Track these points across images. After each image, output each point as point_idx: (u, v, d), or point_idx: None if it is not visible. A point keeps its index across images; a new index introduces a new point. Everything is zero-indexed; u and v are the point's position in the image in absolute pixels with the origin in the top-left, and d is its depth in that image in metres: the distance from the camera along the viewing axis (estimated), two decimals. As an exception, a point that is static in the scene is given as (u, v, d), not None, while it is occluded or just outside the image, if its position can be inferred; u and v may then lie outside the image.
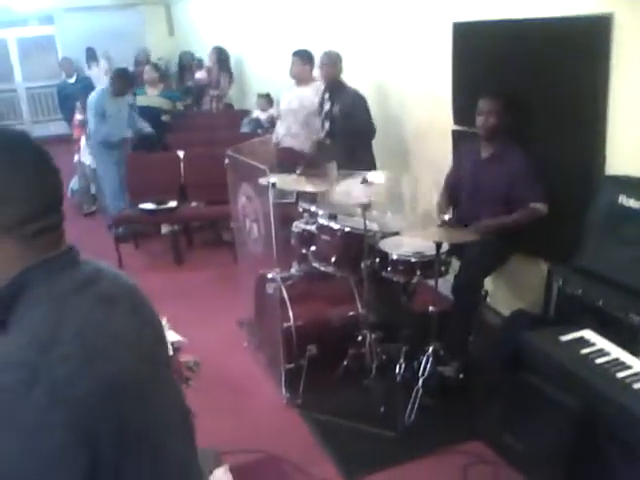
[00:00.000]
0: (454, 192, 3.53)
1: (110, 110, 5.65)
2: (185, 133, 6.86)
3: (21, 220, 1.05)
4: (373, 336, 3.16)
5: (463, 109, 3.73)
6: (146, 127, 6.12)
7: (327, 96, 4.72)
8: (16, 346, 0.98)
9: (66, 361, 0.98)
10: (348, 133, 4.47)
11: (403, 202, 3.69)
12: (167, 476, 1.16)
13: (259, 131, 6.43)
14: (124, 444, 1.04)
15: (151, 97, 6.82)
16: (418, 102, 4.39)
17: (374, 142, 4.55)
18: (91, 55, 10.17)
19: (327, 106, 4.71)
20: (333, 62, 4.64)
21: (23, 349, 0.97)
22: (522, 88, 3.22)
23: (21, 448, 0.93)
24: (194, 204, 5.64)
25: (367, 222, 3.06)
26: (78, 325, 1.04)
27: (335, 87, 4.64)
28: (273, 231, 3.21)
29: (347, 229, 3.19)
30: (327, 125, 4.70)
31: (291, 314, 3.26)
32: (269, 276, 3.43)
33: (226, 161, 3.76)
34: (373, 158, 4.53)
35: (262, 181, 3.37)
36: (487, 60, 3.49)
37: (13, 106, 12.17)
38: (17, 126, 10.74)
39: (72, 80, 8.62)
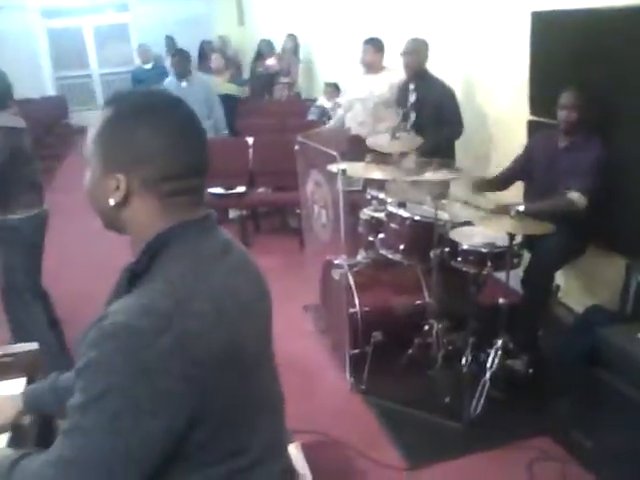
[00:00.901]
0: (511, 178, 3.47)
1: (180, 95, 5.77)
2: (254, 119, 6.95)
3: (161, 178, 1.12)
4: (440, 326, 3.13)
5: (541, 100, 3.64)
6: (223, 129, 6.17)
7: (412, 86, 4.61)
8: (159, 295, 1.06)
9: (198, 317, 1.06)
10: (436, 125, 4.39)
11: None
12: (259, 442, 1.21)
13: (324, 119, 6.45)
14: (227, 405, 1.11)
15: (220, 84, 6.92)
16: (495, 92, 4.30)
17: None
18: (170, 44, 10.38)
19: (413, 97, 4.60)
20: (418, 50, 4.50)
21: (163, 298, 1.05)
22: (604, 80, 3.11)
23: (136, 386, 1.01)
24: (262, 190, 5.72)
25: (437, 211, 3.03)
26: (213, 288, 1.11)
27: (421, 77, 4.54)
28: (342, 218, 3.21)
29: (417, 217, 3.16)
30: (413, 116, 4.62)
31: (357, 300, 3.27)
32: (336, 262, 3.45)
33: (296, 147, 3.78)
34: (453, 152, 4.46)
35: (332, 167, 3.38)
36: (567, 50, 3.38)
37: (88, 91, 12.58)
38: (90, 111, 11.17)
39: (148, 66, 8.84)
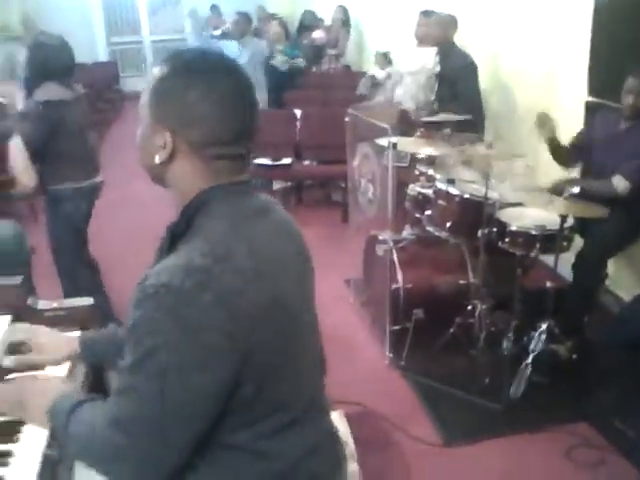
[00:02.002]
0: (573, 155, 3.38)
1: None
2: (301, 91, 6.92)
3: (207, 142, 1.13)
4: (483, 307, 3.10)
5: (601, 81, 3.52)
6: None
7: (437, 58, 4.62)
8: (198, 253, 1.08)
9: (238, 273, 1.08)
10: (452, 100, 4.35)
11: (526, 173, 3.56)
12: (301, 400, 1.23)
13: (374, 90, 6.37)
14: (270, 360, 1.12)
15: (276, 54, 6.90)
16: (551, 73, 4.19)
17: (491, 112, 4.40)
18: (216, 12, 10.38)
19: (437, 68, 4.63)
20: (443, 24, 4.51)
21: (203, 256, 1.07)
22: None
23: (181, 343, 1.04)
24: (307, 162, 5.71)
25: (487, 190, 2.98)
26: (252, 245, 1.13)
27: (445, 49, 4.54)
28: (390, 193, 3.19)
29: (466, 195, 3.12)
30: (436, 88, 4.63)
31: (400, 277, 3.25)
32: (380, 237, 3.43)
33: (346, 119, 3.75)
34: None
35: (382, 141, 3.34)
36: (630, 33, 3.26)
37: (139, 58, 12.68)
38: (140, 77, 11.27)
39: (218, 32, 8.88)
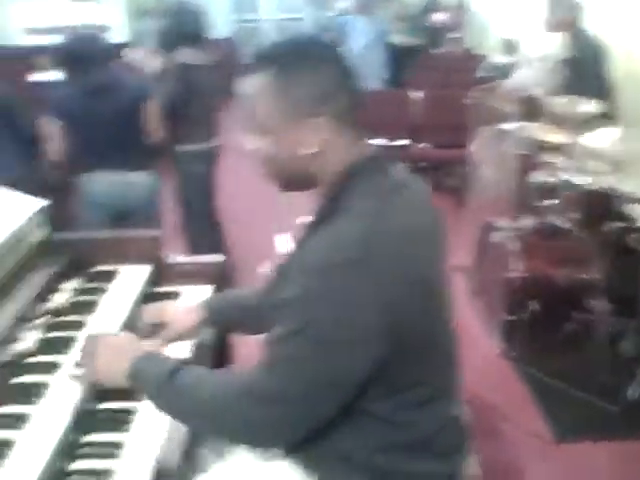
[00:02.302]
0: None
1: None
2: (420, 73, 6.82)
3: (345, 109, 1.15)
4: (603, 304, 2.96)
5: None
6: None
7: (567, 44, 4.40)
8: (349, 229, 1.10)
9: (387, 251, 1.09)
10: (580, 86, 4.13)
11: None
12: (436, 377, 1.24)
13: (497, 76, 6.18)
14: (415, 336, 1.14)
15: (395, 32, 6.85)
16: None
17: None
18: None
19: (566, 54, 4.41)
20: (574, 9, 4.30)
21: (355, 232, 1.09)
22: None
23: (337, 318, 1.06)
24: (423, 145, 5.63)
25: (616, 182, 2.83)
26: (400, 221, 1.14)
27: (572, 32, 4.32)
28: (512, 179, 3.10)
29: (593, 187, 2.97)
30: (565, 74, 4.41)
31: (516, 266, 3.15)
32: (497, 224, 3.34)
33: (468, 102, 3.67)
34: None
35: (505, 126, 3.25)
36: None
37: (256, 37, 12.92)
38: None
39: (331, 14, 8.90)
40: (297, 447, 1.26)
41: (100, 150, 3.00)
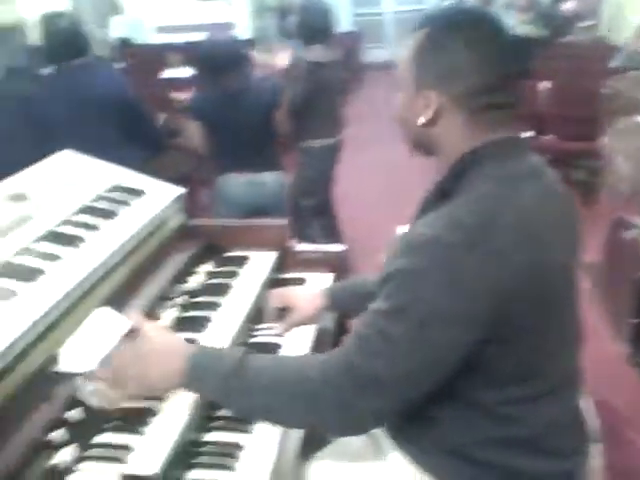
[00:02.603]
0: None
1: None
2: (548, 63, 6.55)
3: (472, 93, 1.13)
4: None
5: None
6: None
7: None
8: (466, 211, 1.08)
9: (506, 236, 1.06)
10: None
11: None
12: (556, 371, 1.20)
13: (633, 65, 5.80)
14: (525, 326, 1.10)
15: (519, 23, 6.61)
16: None
17: None
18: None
19: None
20: None
21: (472, 214, 1.07)
22: None
23: (443, 297, 1.05)
24: (549, 137, 5.41)
25: None
26: (521, 208, 1.10)
27: None
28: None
29: None
30: None
31: (649, 265, 2.98)
32: (631, 221, 3.16)
33: (602, 92, 3.50)
34: None
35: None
36: None
37: (378, 29, 12.89)
38: (380, 49, 11.49)
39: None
40: (403, 437, 1.27)
41: (235, 152, 3.19)
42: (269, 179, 3.30)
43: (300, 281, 1.91)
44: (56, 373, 1.29)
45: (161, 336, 1.25)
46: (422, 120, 1.16)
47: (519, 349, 1.11)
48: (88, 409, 1.24)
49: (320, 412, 1.12)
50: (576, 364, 1.29)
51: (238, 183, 3.27)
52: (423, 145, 1.23)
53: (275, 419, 1.21)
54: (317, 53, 3.42)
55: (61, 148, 1.94)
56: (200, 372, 1.17)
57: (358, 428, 1.17)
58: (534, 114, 5.47)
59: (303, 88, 3.33)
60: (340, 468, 1.34)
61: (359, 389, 1.08)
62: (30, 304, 1.30)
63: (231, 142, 3.16)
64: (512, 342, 1.10)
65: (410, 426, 1.23)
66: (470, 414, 1.17)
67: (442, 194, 1.18)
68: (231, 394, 1.16)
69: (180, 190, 1.94)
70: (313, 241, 3.33)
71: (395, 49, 12.13)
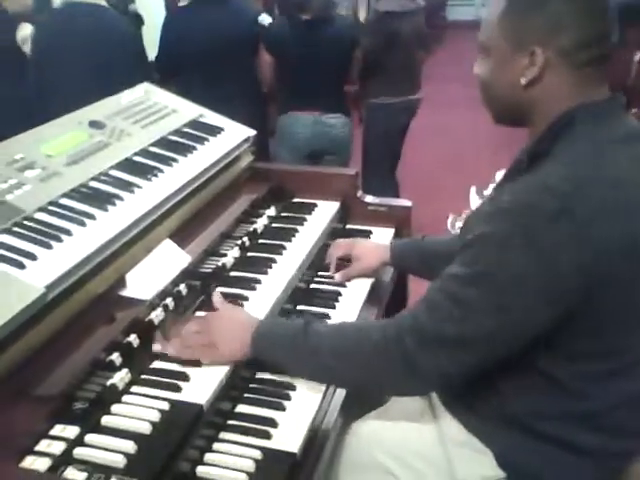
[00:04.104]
0: None
1: None
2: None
3: (577, 45, 1.08)
4: None
5: None
6: None
7: None
8: (559, 176, 1.04)
9: (599, 204, 1.02)
10: None
11: None
12: (636, 348, 1.15)
13: None
14: (611, 300, 1.06)
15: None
16: None
17: None
18: None
19: None
20: None
21: (565, 180, 1.03)
22: None
23: (528, 265, 1.01)
24: (634, 111, 5.14)
25: None
26: (618, 174, 1.05)
27: None
28: None
29: None
30: None
31: None
32: None
33: None
34: None
35: None
36: None
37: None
38: (465, 7, 11.07)
39: None
40: (461, 404, 1.26)
41: (305, 88, 3.11)
42: (336, 121, 3.22)
43: (366, 233, 1.90)
44: (120, 297, 1.33)
45: (232, 310, 1.34)
46: (524, 80, 1.11)
47: (598, 325, 1.08)
48: (146, 336, 1.28)
49: (384, 372, 1.14)
50: None
51: (304, 123, 3.19)
52: (514, 110, 1.17)
53: (339, 379, 1.24)
54: (390, 3, 3.29)
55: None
56: (268, 338, 1.24)
57: (420, 387, 1.18)
58: (624, 86, 5.19)
59: (371, 41, 3.23)
60: (387, 429, 1.34)
61: (424, 347, 1.09)
62: (101, 228, 1.35)
63: (302, 77, 3.07)
64: (592, 318, 1.06)
65: (470, 393, 1.22)
66: (538, 387, 1.15)
67: (533, 159, 1.13)
68: (297, 357, 1.22)
69: (251, 131, 1.94)
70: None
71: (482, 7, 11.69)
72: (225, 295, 1.41)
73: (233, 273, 1.59)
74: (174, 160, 1.66)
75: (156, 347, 1.28)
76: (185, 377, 1.22)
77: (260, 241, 1.74)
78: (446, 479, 1.24)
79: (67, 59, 2.65)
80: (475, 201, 2.86)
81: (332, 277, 1.68)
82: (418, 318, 1.11)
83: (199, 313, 1.41)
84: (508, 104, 1.17)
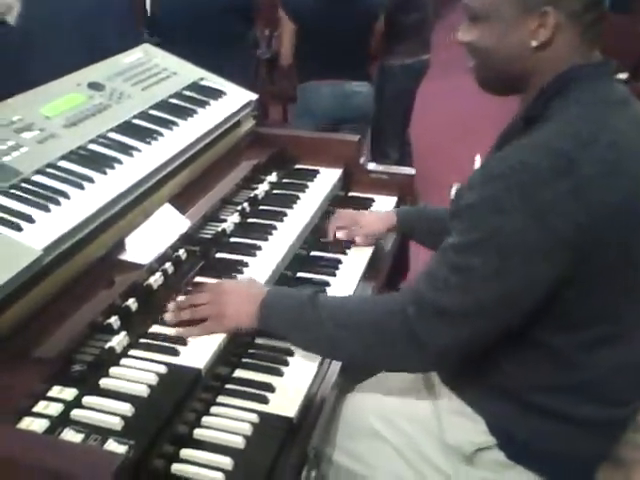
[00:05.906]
0: None
1: None
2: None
3: (585, 5, 1.06)
4: None
5: None
6: None
7: None
8: (557, 135, 1.03)
9: (599, 163, 1.00)
10: None
11: None
12: (633, 313, 1.15)
13: None
14: (607, 264, 1.05)
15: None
16: None
17: None
18: None
19: None
20: None
21: (563, 140, 1.01)
22: None
23: (528, 226, 1.00)
24: (642, 82, 5.06)
25: None
26: (614, 135, 1.04)
27: None
28: None
29: None
30: None
31: None
32: None
33: None
34: None
35: None
36: None
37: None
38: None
39: None
40: (460, 379, 1.25)
41: (327, 56, 3.05)
42: (358, 89, 3.18)
43: (369, 201, 1.88)
44: (119, 261, 1.33)
45: (237, 282, 1.35)
46: (535, 43, 1.08)
47: (597, 290, 1.07)
48: (145, 300, 1.28)
49: (385, 343, 1.14)
50: None
51: (324, 91, 3.15)
52: (514, 76, 1.14)
53: (344, 351, 1.22)
54: None
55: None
56: (274, 307, 1.24)
57: (421, 361, 1.17)
58: (633, 56, 5.10)
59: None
60: (383, 396, 1.35)
61: (425, 320, 1.08)
62: (100, 192, 1.33)
63: (324, 45, 3.01)
64: (588, 282, 1.05)
65: (469, 368, 1.21)
66: (538, 359, 1.14)
67: (528, 122, 1.11)
68: (301, 326, 1.22)
69: (253, 95, 1.91)
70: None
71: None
72: (225, 261, 1.40)
73: (233, 239, 1.58)
74: (174, 123, 1.63)
75: (168, 316, 1.28)
76: (183, 341, 1.22)
77: (261, 207, 1.72)
78: (435, 443, 1.24)
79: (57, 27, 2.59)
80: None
81: (333, 244, 1.67)
82: (419, 289, 1.10)
83: (198, 278, 1.41)
84: (509, 70, 1.14)
